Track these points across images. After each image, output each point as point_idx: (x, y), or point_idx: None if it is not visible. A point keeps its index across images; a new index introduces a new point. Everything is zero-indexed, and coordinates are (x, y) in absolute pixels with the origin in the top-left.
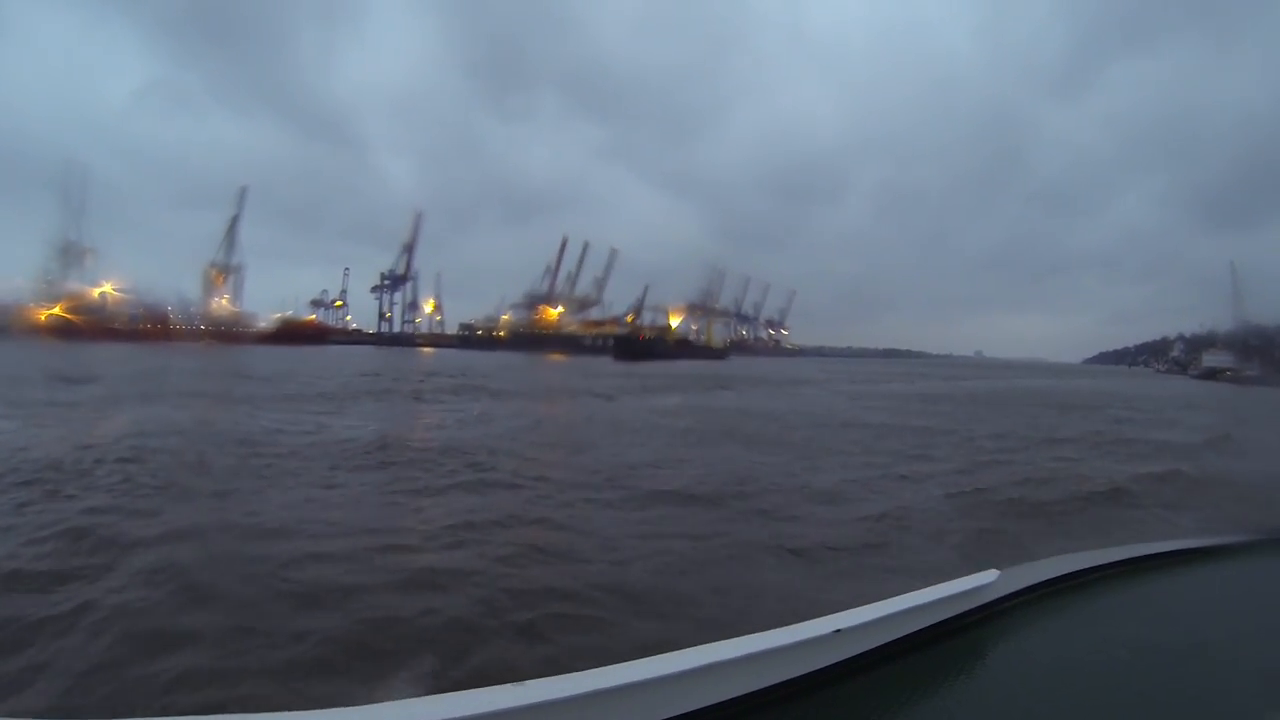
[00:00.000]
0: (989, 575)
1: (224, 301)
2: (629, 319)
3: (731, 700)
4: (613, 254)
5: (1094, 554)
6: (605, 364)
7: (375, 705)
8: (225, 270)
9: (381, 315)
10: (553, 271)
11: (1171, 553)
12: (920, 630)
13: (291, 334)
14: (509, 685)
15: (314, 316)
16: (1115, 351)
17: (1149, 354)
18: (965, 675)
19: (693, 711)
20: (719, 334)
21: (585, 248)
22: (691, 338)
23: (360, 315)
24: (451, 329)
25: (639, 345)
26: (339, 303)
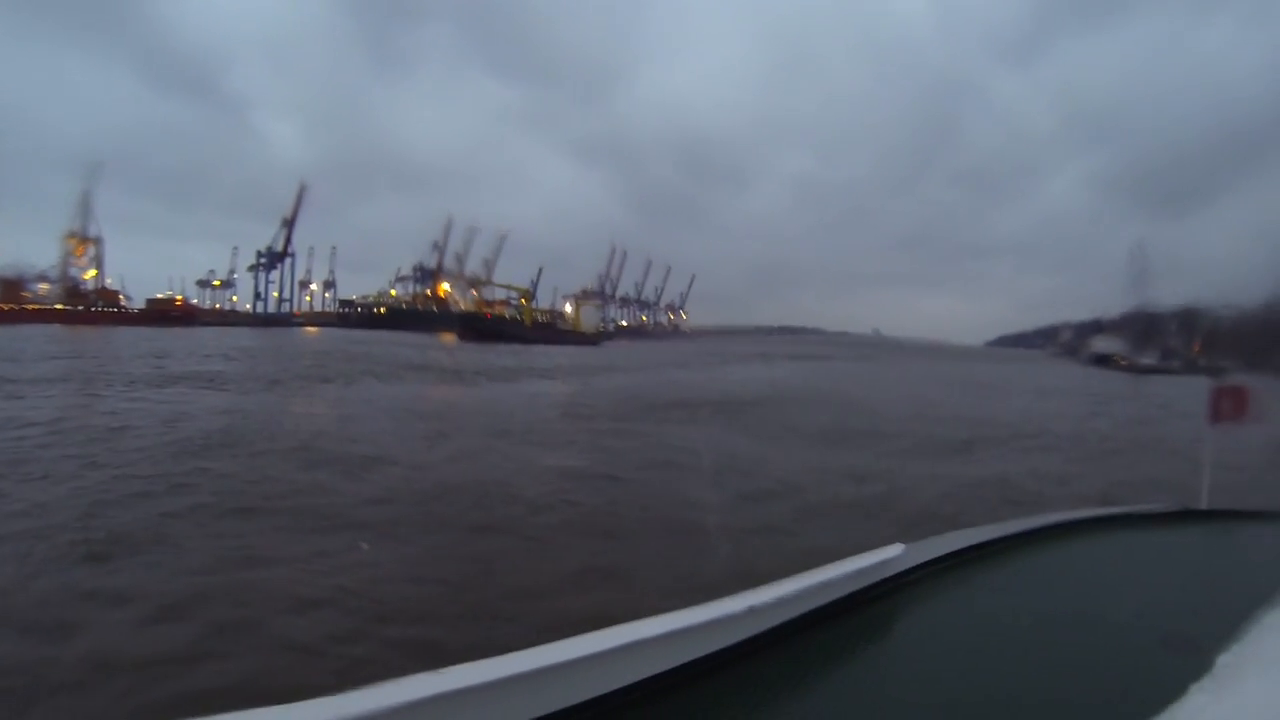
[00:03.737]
0: (895, 549)
1: (89, 275)
2: (525, 302)
3: (651, 678)
4: (502, 237)
5: (997, 526)
6: (434, 345)
7: (289, 705)
8: (84, 242)
9: (257, 295)
10: (440, 248)
11: (1073, 522)
12: (831, 603)
13: (158, 315)
14: (426, 674)
15: (180, 297)
16: (1014, 335)
17: (1044, 339)
18: (875, 644)
19: (614, 690)
20: (591, 318)
21: (471, 230)
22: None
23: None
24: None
25: (486, 325)
26: (218, 282)
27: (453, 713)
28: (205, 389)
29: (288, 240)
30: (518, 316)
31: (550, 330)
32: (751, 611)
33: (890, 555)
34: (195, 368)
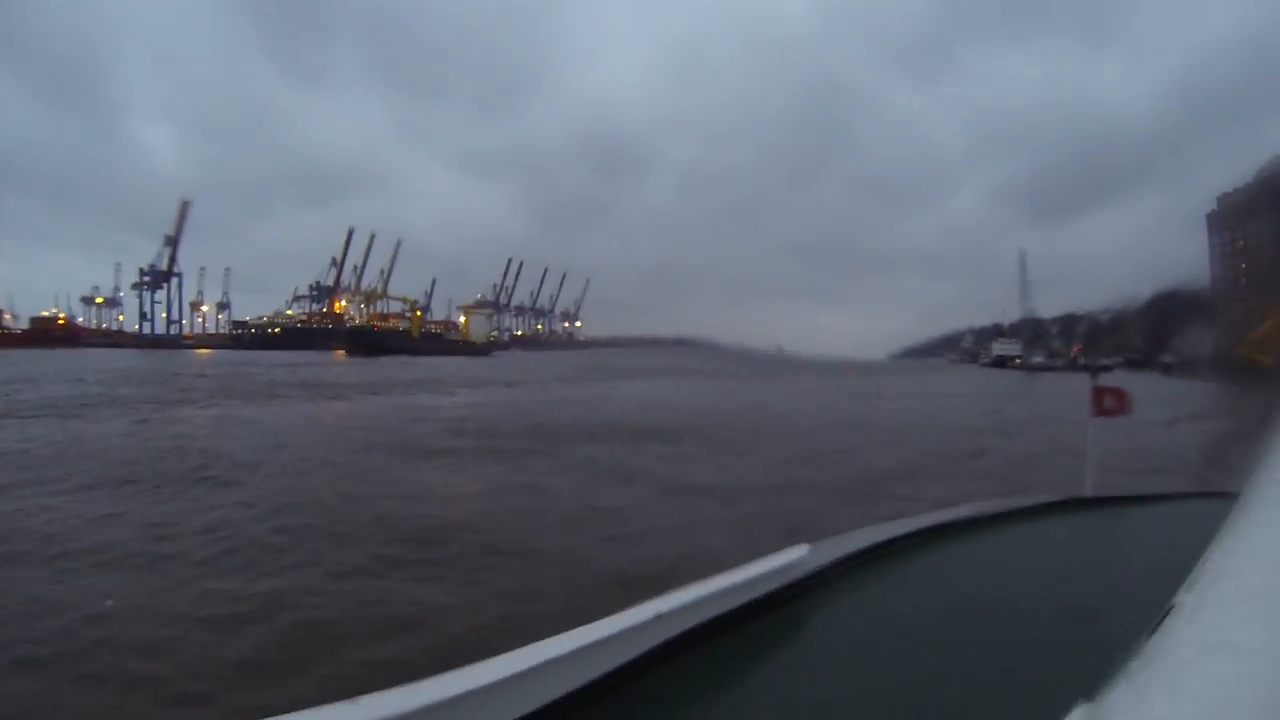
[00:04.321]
0: (801, 549)
1: None
2: (415, 314)
3: (564, 697)
4: (398, 245)
5: (900, 523)
6: (319, 363)
7: None
8: None
9: (143, 315)
10: (339, 264)
11: (971, 517)
12: (739, 607)
13: (41, 335)
14: (341, 703)
15: (63, 316)
16: (918, 346)
17: (944, 346)
18: (785, 646)
19: (529, 714)
20: (480, 328)
21: (372, 239)
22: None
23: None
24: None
25: (373, 339)
26: (100, 300)
27: None
28: (54, 417)
29: (172, 259)
30: (409, 329)
31: (439, 341)
32: (659, 619)
33: (795, 556)
34: (55, 393)
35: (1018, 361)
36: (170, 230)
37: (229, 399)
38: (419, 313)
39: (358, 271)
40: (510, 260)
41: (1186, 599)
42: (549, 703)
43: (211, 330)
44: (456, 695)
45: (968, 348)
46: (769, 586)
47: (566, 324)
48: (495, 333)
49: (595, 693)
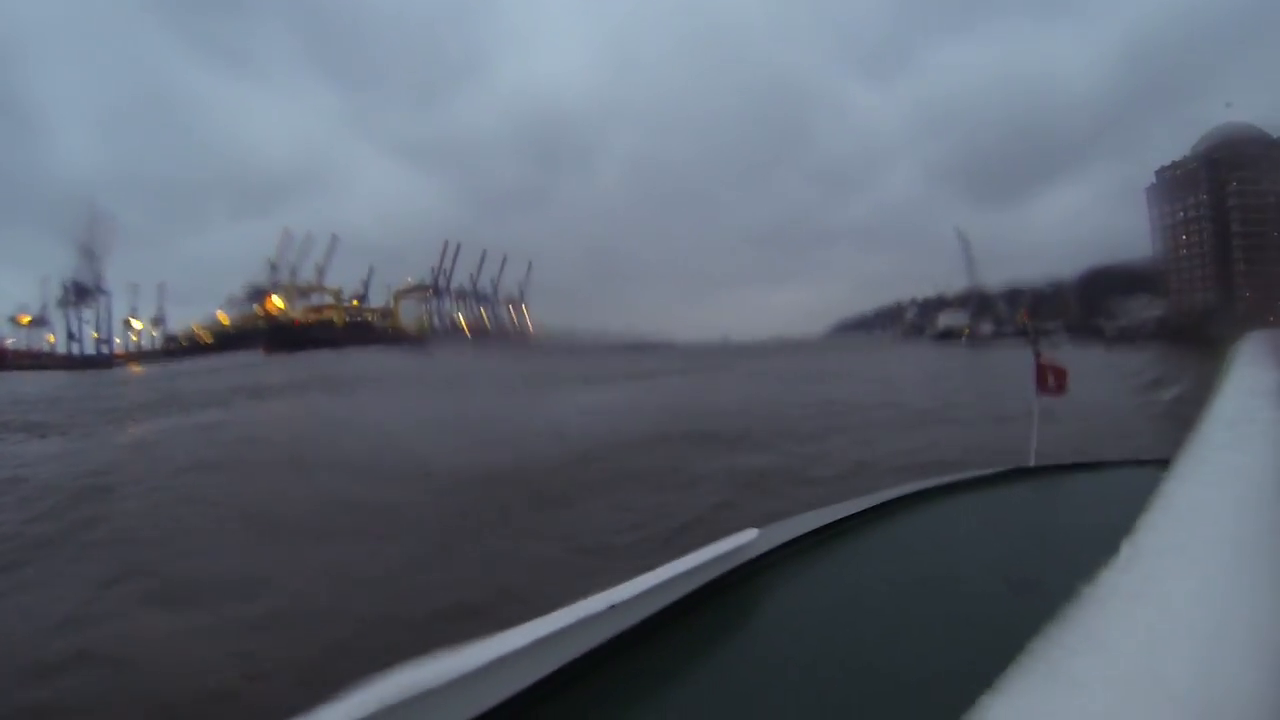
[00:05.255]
0: (749, 534)
1: None
2: (354, 303)
3: (523, 690)
4: (333, 240)
5: (847, 505)
6: (234, 366)
7: None
8: None
9: (70, 334)
10: (275, 265)
11: (917, 493)
12: (690, 594)
13: None
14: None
15: None
16: (855, 319)
17: (885, 319)
18: (737, 631)
19: (488, 710)
20: (411, 313)
21: (307, 236)
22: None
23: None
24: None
25: (293, 334)
26: (25, 319)
27: None
28: None
29: (98, 276)
30: (348, 319)
31: (367, 331)
32: (613, 609)
33: (744, 540)
34: None
35: (966, 333)
36: (85, 239)
37: (106, 422)
38: (355, 301)
39: (293, 269)
40: (447, 243)
41: (1122, 557)
42: (507, 698)
43: (147, 346)
44: (414, 694)
45: (912, 319)
46: (718, 571)
47: (513, 312)
48: (433, 317)
49: (553, 686)
